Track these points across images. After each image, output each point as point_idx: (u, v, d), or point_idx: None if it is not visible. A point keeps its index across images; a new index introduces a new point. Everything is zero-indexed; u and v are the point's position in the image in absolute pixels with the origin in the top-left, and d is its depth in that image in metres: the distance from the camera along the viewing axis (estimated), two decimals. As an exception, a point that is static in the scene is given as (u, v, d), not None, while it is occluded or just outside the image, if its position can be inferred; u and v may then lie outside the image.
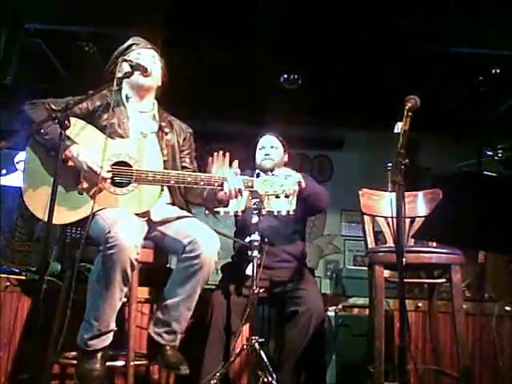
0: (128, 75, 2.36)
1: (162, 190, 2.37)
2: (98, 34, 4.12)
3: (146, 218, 2.37)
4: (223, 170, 2.38)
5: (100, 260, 2.12)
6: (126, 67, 2.41)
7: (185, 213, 2.46)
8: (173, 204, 2.48)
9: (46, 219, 2.00)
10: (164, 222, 2.39)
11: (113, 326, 2.16)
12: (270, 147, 3.03)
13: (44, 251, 2.02)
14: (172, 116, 2.63)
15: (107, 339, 2.15)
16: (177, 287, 2.25)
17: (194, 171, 2.53)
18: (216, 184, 2.30)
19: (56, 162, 2.01)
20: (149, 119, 2.52)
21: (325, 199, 2.94)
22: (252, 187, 2.31)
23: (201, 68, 4.69)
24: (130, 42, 2.53)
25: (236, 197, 2.31)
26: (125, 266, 2.08)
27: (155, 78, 2.49)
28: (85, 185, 2.26)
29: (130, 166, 2.30)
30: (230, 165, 2.36)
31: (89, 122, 2.36)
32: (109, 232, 2.08)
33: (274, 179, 2.31)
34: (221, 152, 2.37)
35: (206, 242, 2.24)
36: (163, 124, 2.53)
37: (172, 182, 2.30)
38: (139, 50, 2.49)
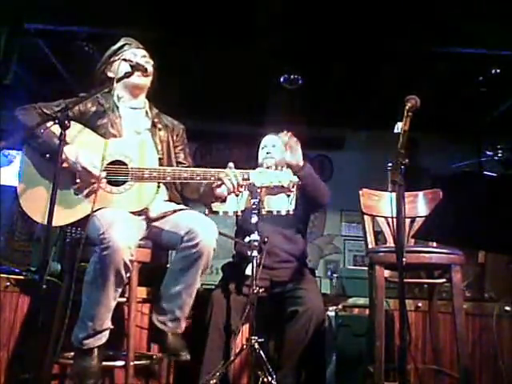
0: (128, 75, 2.37)
1: (159, 186, 2.37)
2: (98, 34, 4.12)
3: (143, 217, 2.37)
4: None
5: (94, 260, 2.12)
6: (125, 67, 2.42)
7: (181, 206, 2.47)
8: (170, 201, 2.48)
9: (43, 222, 2.00)
10: (161, 218, 2.39)
11: (108, 324, 2.16)
12: (271, 146, 3.04)
13: (44, 251, 2.02)
14: (165, 113, 2.65)
15: (103, 337, 2.16)
16: (178, 275, 2.26)
17: (189, 166, 2.54)
18: (212, 179, 2.30)
19: (50, 164, 2.01)
20: (142, 116, 2.53)
21: (324, 191, 2.92)
22: (248, 179, 2.32)
23: (201, 68, 4.70)
24: (121, 42, 2.55)
25: (235, 190, 2.32)
26: (118, 268, 2.08)
27: (149, 78, 2.51)
28: (81, 185, 2.26)
29: (126, 165, 2.30)
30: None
31: (83, 125, 2.37)
32: (103, 233, 2.08)
33: (269, 171, 2.32)
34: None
35: (203, 230, 2.24)
36: (156, 120, 2.54)
37: (168, 178, 2.31)
38: (132, 50, 2.51)
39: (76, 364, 2.14)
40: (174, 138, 2.59)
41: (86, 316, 2.13)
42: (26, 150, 2.33)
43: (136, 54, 2.49)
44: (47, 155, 2.23)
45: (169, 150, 2.54)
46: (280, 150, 3.02)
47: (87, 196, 2.26)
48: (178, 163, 2.56)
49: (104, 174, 2.25)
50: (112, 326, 2.19)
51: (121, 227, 2.12)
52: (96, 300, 2.11)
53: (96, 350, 2.14)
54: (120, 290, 2.16)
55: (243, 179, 2.31)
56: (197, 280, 2.27)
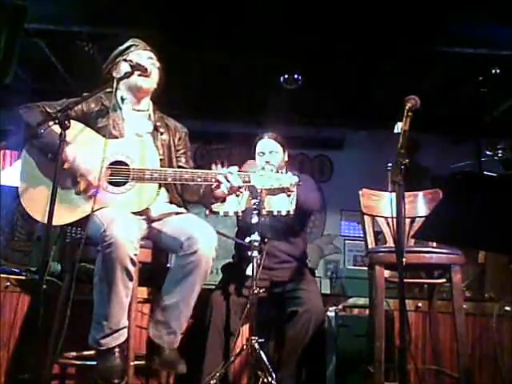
0: (128, 75, 2.37)
1: (160, 187, 2.37)
2: (98, 34, 4.12)
3: (144, 217, 2.37)
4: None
5: (99, 260, 2.12)
6: (125, 67, 2.42)
7: (182, 210, 2.46)
8: (170, 203, 2.48)
9: (44, 221, 2.00)
10: (160, 219, 2.39)
11: (124, 323, 2.16)
12: (269, 152, 2.98)
13: (44, 251, 2.02)
14: (168, 115, 2.64)
15: (121, 336, 2.15)
16: (175, 286, 2.24)
17: None
18: (213, 180, 2.30)
19: (52, 164, 2.01)
20: (144, 119, 2.53)
21: (313, 200, 2.91)
22: (249, 181, 2.32)
23: (201, 68, 4.70)
24: (129, 43, 2.55)
25: (234, 192, 2.31)
26: (124, 263, 2.08)
27: (153, 80, 2.50)
28: (82, 186, 2.26)
29: (127, 166, 2.30)
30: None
31: (85, 125, 2.37)
32: (104, 231, 2.08)
33: (270, 174, 2.32)
34: (219, 164, 2.38)
35: (203, 237, 2.23)
36: (158, 124, 2.54)
37: (169, 179, 2.31)
38: (138, 52, 2.50)
39: (99, 364, 2.13)
40: (176, 141, 2.58)
41: (100, 316, 2.13)
42: (27, 148, 2.33)
43: (141, 55, 2.49)
44: (49, 155, 2.23)
45: (170, 153, 2.53)
46: (279, 155, 2.98)
47: (88, 197, 2.26)
48: (180, 167, 2.53)
49: (104, 180, 2.25)
50: (127, 324, 2.18)
51: (121, 223, 2.12)
52: (107, 299, 2.10)
53: (117, 348, 2.13)
54: (130, 285, 2.14)
55: (244, 181, 2.31)
56: (195, 291, 2.24)
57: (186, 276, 2.22)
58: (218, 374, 2.39)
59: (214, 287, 2.88)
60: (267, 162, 2.94)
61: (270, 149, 3.00)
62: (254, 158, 3.06)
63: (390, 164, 1.92)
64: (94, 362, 2.17)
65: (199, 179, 2.31)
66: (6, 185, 3.50)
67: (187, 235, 2.23)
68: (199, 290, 2.27)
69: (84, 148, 2.28)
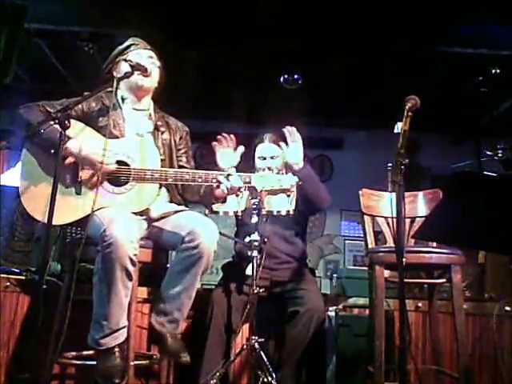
0: (128, 75, 2.37)
1: (160, 187, 2.37)
2: (98, 34, 4.12)
3: (144, 217, 2.37)
4: (228, 155, 2.49)
5: (99, 260, 2.13)
6: (125, 67, 2.42)
7: (182, 207, 2.47)
8: (171, 202, 2.49)
9: (44, 220, 2.00)
10: (161, 218, 2.39)
11: (124, 322, 2.16)
12: (270, 158, 2.93)
13: (44, 251, 2.02)
14: (168, 115, 2.64)
15: (120, 336, 2.15)
16: (177, 278, 2.25)
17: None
18: (214, 181, 2.31)
19: (54, 161, 2.01)
20: (145, 118, 2.53)
21: (324, 195, 2.89)
22: (250, 183, 2.32)
23: (201, 68, 4.70)
24: (129, 42, 2.54)
25: (234, 193, 2.32)
26: (124, 263, 2.08)
27: (153, 79, 2.50)
28: (84, 178, 2.26)
29: (128, 165, 2.30)
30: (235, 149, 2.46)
31: (85, 124, 2.37)
32: (104, 231, 2.08)
33: (271, 175, 2.32)
34: (226, 135, 2.38)
35: (204, 231, 2.24)
36: (159, 123, 2.54)
37: (170, 179, 2.31)
38: (138, 51, 2.50)
39: (99, 364, 2.13)
40: (177, 140, 2.58)
41: (100, 316, 2.13)
42: (28, 147, 2.33)
43: (141, 54, 2.49)
44: (52, 151, 2.23)
45: (171, 152, 2.53)
46: (279, 159, 2.92)
47: (90, 189, 2.25)
48: (180, 167, 2.54)
49: (114, 165, 2.25)
50: (127, 324, 2.18)
51: (121, 223, 2.12)
52: (107, 299, 2.10)
53: (116, 348, 2.13)
54: (130, 285, 2.15)
55: (245, 183, 2.31)
56: (196, 282, 2.26)
57: (189, 268, 2.23)
58: (218, 374, 2.39)
59: (214, 287, 2.88)
60: (269, 168, 2.91)
61: (271, 154, 2.94)
62: (253, 160, 3.04)
63: (389, 164, 1.92)
64: (94, 362, 2.17)
65: (200, 179, 2.32)
66: (5, 185, 3.50)
67: (188, 229, 2.24)
68: (199, 282, 2.28)
69: (85, 144, 2.28)
